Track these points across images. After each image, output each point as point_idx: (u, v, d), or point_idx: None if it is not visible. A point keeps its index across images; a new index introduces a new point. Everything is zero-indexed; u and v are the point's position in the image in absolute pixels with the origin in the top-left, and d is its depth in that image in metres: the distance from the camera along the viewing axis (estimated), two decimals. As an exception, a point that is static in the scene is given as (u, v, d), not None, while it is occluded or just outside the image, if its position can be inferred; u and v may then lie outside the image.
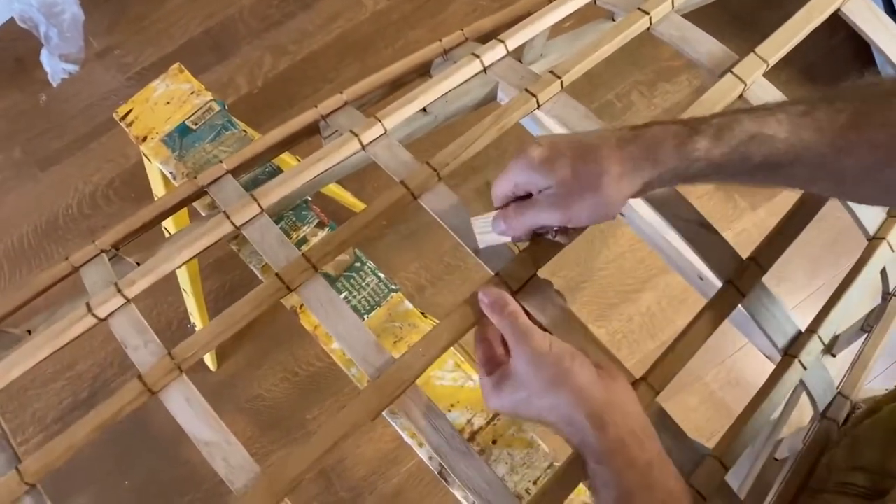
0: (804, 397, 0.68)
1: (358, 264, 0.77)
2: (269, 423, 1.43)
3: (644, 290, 1.51)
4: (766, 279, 0.62)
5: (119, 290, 0.59)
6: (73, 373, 1.49)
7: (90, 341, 1.50)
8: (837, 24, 0.73)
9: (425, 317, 0.75)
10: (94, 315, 0.59)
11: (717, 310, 0.59)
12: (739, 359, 1.44)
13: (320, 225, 0.81)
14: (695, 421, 1.39)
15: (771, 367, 0.63)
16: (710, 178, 0.51)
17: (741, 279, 0.60)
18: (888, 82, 0.48)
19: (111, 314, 0.59)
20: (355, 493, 1.37)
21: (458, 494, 0.71)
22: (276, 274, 0.59)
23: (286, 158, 0.97)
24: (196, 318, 1.34)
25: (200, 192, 0.68)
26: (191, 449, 1.39)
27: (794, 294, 1.50)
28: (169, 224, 0.97)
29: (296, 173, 0.65)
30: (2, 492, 0.53)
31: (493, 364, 0.52)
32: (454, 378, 0.76)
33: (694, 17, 0.75)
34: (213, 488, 1.39)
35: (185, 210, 0.80)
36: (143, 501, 1.40)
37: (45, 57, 1.71)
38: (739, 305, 0.61)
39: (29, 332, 0.69)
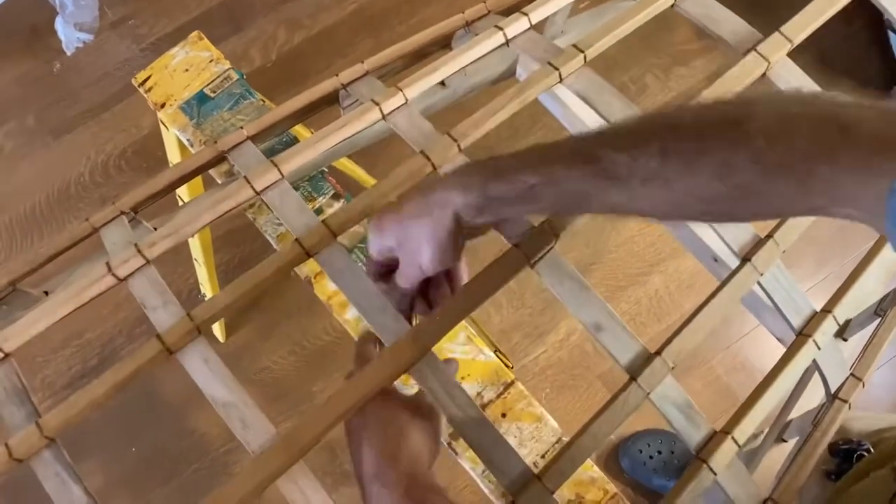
0: (814, 380, 0.69)
1: (373, 235, 0.77)
2: (276, 394, 1.44)
3: (653, 273, 1.51)
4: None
5: (139, 251, 0.60)
6: (81, 340, 1.50)
7: (99, 309, 1.51)
8: (855, 13, 0.72)
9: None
10: (114, 275, 0.59)
11: (734, 286, 0.59)
12: (746, 344, 1.45)
13: (336, 196, 0.82)
14: (699, 404, 1.38)
15: (778, 352, 0.64)
16: None
17: (759, 257, 0.60)
18: (731, 108, 0.40)
19: (131, 274, 0.60)
20: (360, 466, 1.38)
21: (465, 465, 0.72)
22: (296, 239, 0.59)
23: (301, 131, 0.98)
24: (206, 288, 1.35)
25: (220, 158, 0.68)
26: (197, 419, 1.42)
27: (802, 281, 1.50)
28: (183, 192, 0.97)
29: (316, 140, 0.65)
30: (22, 445, 0.54)
31: None
32: (465, 351, 0.76)
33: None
34: (219, 458, 1.40)
35: (199, 178, 0.80)
36: (150, 469, 1.42)
37: (59, 25, 1.71)
38: (753, 285, 0.61)
39: (46, 293, 0.70)
